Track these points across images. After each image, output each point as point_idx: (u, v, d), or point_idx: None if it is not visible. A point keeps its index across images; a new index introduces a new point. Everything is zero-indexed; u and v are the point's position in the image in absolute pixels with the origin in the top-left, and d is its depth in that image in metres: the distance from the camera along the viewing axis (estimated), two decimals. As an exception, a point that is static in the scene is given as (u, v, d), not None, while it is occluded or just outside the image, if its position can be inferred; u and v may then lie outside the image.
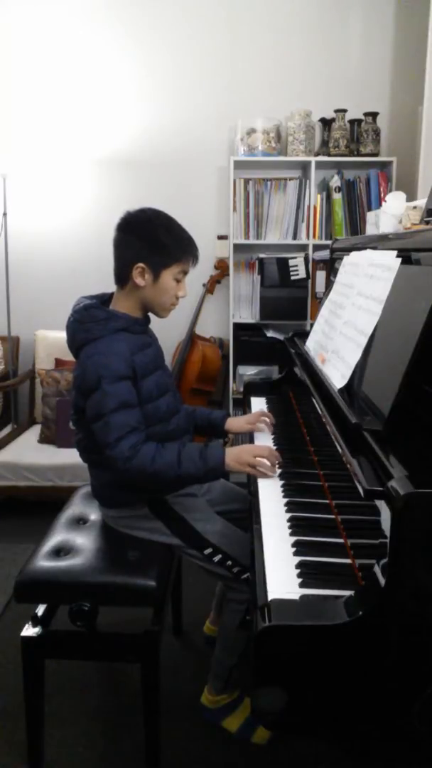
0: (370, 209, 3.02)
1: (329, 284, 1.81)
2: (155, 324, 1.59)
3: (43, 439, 2.95)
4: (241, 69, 3.21)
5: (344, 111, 3.07)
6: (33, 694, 1.45)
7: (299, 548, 1.06)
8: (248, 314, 3.27)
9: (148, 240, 1.42)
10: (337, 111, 3.07)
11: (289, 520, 1.17)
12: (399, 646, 0.81)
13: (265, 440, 1.63)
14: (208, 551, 1.47)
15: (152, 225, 1.44)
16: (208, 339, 3.35)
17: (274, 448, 1.57)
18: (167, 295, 1.47)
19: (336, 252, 1.91)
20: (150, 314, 1.55)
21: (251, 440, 1.64)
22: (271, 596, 0.92)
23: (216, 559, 1.47)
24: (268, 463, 1.40)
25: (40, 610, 1.49)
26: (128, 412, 1.38)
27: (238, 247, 3.20)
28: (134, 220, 1.45)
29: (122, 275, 1.47)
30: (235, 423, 1.71)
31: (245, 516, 1.44)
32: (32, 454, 2.83)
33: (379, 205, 2.85)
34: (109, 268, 1.49)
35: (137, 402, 1.42)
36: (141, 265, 1.42)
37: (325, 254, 3.03)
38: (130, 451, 1.35)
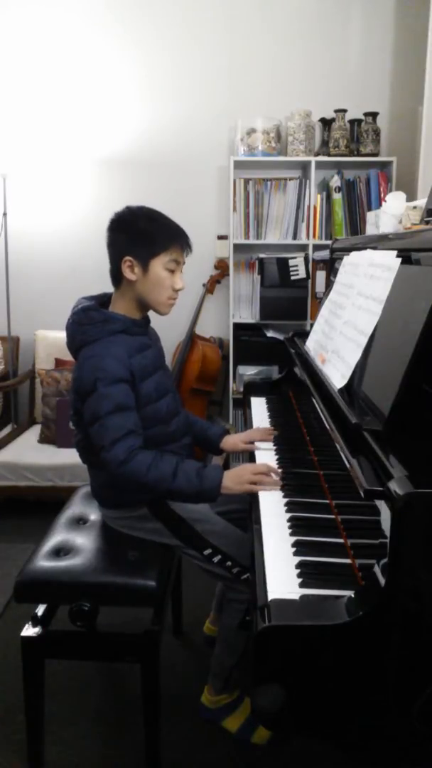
0: (370, 209, 3.02)
1: (329, 284, 1.81)
2: (155, 324, 1.59)
3: (43, 439, 2.95)
4: (241, 69, 3.21)
5: (344, 111, 3.07)
6: (33, 694, 1.45)
7: (299, 548, 1.06)
8: (248, 314, 3.27)
9: (132, 232, 1.42)
10: (337, 111, 3.07)
11: (289, 520, 1.17)
12: (399, 646, 0.81)
13: (265, 443, 1.63)
14: (207, 552, 1.47)
15: (134, 217, 1.44)
16: (208, 339, 3.35)
17: (274, 448, 1.57)
18: (161, 288, 1.45)
19: (336, 252, 1.91)
20: (151, 315, 1.55)
21: (251, 453, 1.61)
22: (271, 596, 0.92)
23: (215, 559, 1.47)
24: (269, 479, 1.36)
25: (40, 610, 1.49)
26: (124, 414, 1.37)
27: (238, 247, 3.20)
28: (119, 217, 1.46)
29: (115, 274, 1.47)
30: (231, 441, 1.68)
31: (245, 516, 1.44)
32: (32, 454, 2.83)
33: (379, 205, 2.85)
34: (108, 268, 1.49)
35: (134, 405, 1.41)
36: (128, 258, 1.42)
37: (325, 254, 3.03)
38: (125, 455, 1.34)
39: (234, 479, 1.38)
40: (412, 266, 1.16)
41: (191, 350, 3.22)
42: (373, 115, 3.06)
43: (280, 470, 1.41)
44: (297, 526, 1.14)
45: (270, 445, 1.61)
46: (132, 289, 1.46)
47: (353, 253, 1.56)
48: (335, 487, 1.23)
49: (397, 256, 1.19)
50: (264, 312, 3.16)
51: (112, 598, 1.44)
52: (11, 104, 3.22)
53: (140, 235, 1.42)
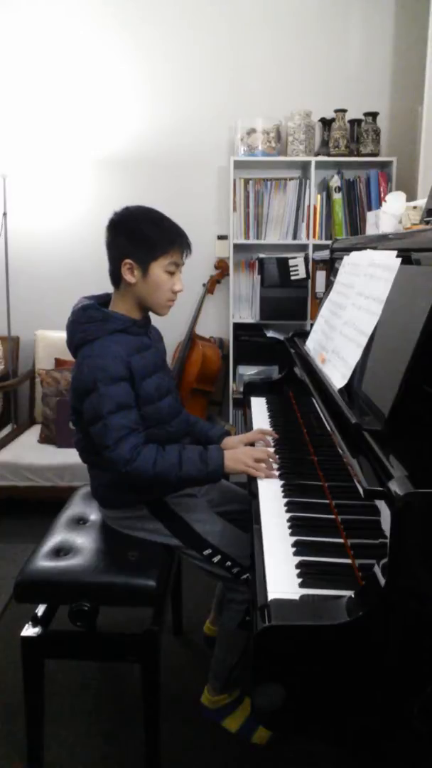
0: (370, 209, 3.02)
1: (329, 284, 1.81)
2: (155, 323, 1.59)
3: (43, 439, 2.95)
4: (241, 69, 3.21)
5: (344, 111, 3.07)
6: (33, 694, 1.45)
7: (299, 548, 1.06)
8: (248, 314, 3.27)
9: (132, 235, 1.42)
10: (337, 111, 3.07)
11: (289, 520, 1.17)
12: (399, 646, 0.81)
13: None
14: (207, 552, 1.47)
15: (135, 219, 1.43)
16: (208, 339, 3.35)
17: (274, 449, 1.57)
18: (161, 290, 1.45)
19: (336, 252, 1.91)
20: (151, 314, 1.55)
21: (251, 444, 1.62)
22: (271, 596, 0.92)
23: (215, 559, 1.47)
24: (265, 466, 1.40)
25: (40, 610, 1.49)
26: (126, 413, 1.38)
27: (238, 247, 3.20)
28: (118, 218, 1.45)
29: (115, 275, 1.47)
30: (231, 442, 1.65)
31: (245, 516, 1.44)
32: (32, 454, 2.83)
33: (379, 205, 2.85)
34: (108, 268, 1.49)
35: (134, 403, 1.42)
36: (128, 261, 1.41)
37: (325, 254, 3.03)
38: (131, 453, 1.35)
39: (234, 460, 1.42)
40: (412, 266, 1.16)
41: (191, 350, 3.22)
42: (373, 115, 3.06)
43: (277, 456, 1.44)
44: (297, 526, 1.14)
45: (270, 447, 1.61)
46: (131, 290, 1.46)
47: (353, 253, 1.56)
48: (335, 487, 1.23)
49: (397, 256, 1.19)
50: (264, 312, 3.16)
51: (112, 598, 1.44)
52: (11, 104, 3.22)
53: (140, 238, 1.41)
